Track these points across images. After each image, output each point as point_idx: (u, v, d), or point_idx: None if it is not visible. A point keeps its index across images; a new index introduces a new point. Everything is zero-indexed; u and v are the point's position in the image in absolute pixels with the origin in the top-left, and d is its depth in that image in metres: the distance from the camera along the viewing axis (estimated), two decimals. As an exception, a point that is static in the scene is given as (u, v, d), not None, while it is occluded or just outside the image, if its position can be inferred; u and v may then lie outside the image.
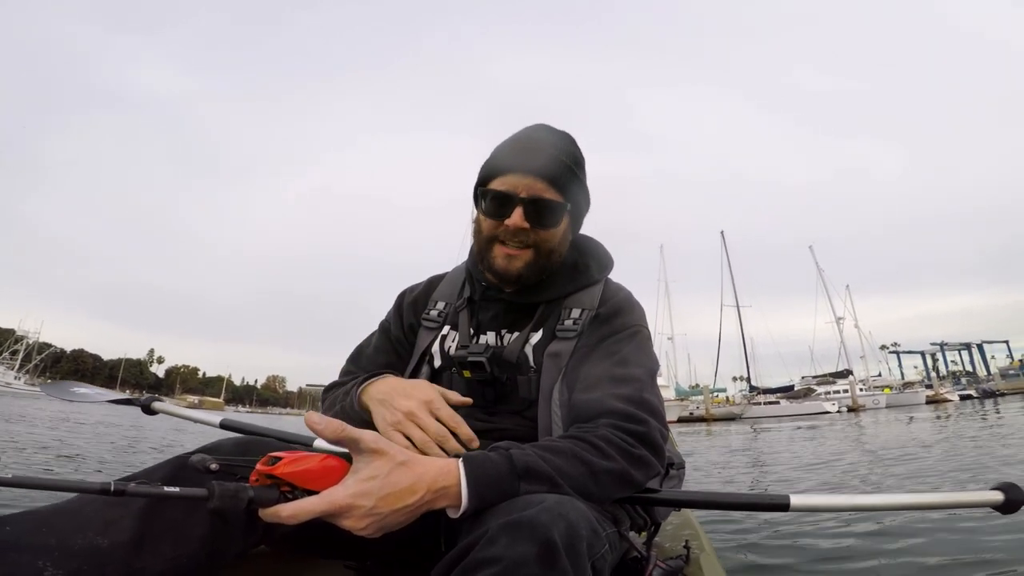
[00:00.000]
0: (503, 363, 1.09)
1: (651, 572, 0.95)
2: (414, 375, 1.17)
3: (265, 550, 0.97)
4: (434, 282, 1.30)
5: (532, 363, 1.09)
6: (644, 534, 1.12)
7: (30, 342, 66.48)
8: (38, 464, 4.64)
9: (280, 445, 0.92)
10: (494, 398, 1.10)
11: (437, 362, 1.17)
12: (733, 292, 50.80)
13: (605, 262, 1.20)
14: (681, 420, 34.36)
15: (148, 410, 1.38)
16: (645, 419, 0.93)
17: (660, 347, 49.20)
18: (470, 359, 1.09)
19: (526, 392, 1.08)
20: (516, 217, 1.04)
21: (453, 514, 0.76)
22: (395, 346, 1.24)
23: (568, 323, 1.09)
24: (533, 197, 1.04)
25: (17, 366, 62.02)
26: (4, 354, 62.12)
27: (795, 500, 0.97)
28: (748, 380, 49.40)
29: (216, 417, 1.30)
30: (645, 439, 0.92)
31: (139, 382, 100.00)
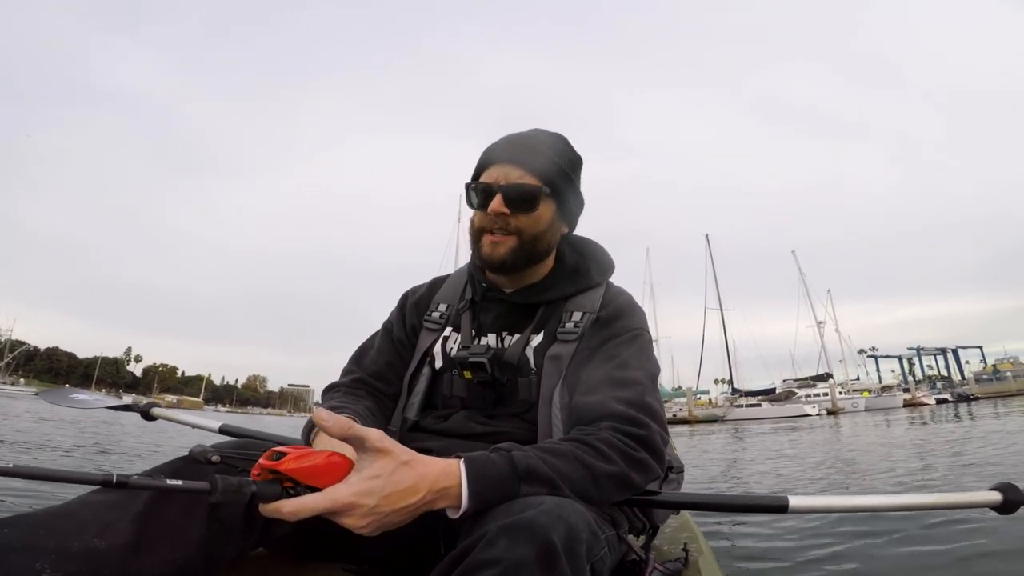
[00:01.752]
0: (504, 365, 1.09)
1: (649, 575, 0.94)
2: (415, 376, 1.18)
3: (263, 552, 0.95)
4: (437, 284, 1.31)
5: (533, 365, 1.09)
6: (642, 537, 1.11)
7: (2, 339, 64.78)
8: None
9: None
10: (494, 400, 1.11)
11: (439, 363, 1.16)
12: (717, 295, 51.16)
13: (606, 265, 1.20)
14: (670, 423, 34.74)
15: (147, 416, 1.37)
16: (646, 423, 0.92)
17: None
18: (471, 360, 1.09)
19: (526, 394, 1.08)
20: (496, 203, 1.06)
21: (453, 515, 0.75)
22: (397, 347, 1.24)
23: (569, 326, 1.09)
24: (510, 184, 1.07)
25: None
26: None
27: (793, 501, 0.97)
28: (731, 383, 48.99)
29: (215, 423, 1.28)
30: (646, 443, 0.91)
31: (115, 381, 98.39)
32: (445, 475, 0.74)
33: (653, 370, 1.05)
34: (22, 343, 76.76)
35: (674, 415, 38.00)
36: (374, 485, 0.69)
